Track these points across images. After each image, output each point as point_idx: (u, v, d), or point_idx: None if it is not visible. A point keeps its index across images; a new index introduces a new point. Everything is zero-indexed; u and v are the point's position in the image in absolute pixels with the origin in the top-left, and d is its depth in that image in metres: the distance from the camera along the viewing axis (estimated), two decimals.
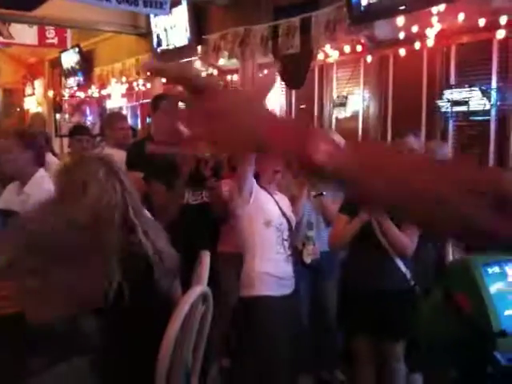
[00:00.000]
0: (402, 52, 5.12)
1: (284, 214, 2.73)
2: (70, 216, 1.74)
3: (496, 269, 1.82)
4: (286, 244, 2.68)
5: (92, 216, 1.77)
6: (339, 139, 0.71)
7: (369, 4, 4.38)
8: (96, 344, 1.88)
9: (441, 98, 5.10)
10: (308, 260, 3.07)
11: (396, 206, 0.73)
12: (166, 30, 7.17)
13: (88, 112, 10.83)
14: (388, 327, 2.76)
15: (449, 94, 5.03)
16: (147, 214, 2.15)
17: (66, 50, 9.85)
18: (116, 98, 9.46)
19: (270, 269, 2.60)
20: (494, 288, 1.87)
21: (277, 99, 7.06)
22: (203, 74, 7.75)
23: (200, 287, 2.02)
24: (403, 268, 2.78)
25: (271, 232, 2.63)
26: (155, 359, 1.82)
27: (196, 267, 2.29)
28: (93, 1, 4.66)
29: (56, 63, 10.63)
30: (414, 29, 4.63)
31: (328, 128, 5.57)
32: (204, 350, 2.18)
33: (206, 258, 2.28)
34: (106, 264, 1.71)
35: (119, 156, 3.14)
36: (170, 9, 5.95)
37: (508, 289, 1.90)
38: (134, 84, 8.68)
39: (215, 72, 7.52)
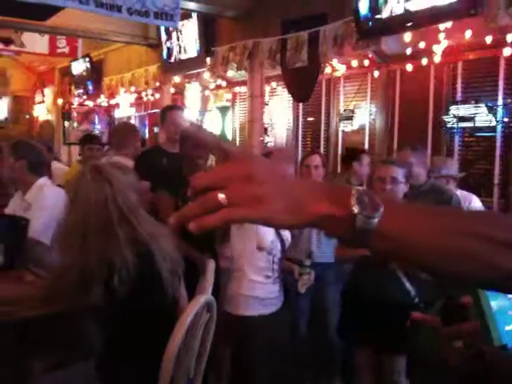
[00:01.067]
0: (409, 67, 5.17)
1: (279, 235, 2.70)
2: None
3: None
4: (276, 267, 2.69)
5: (84, 216, 1.86)
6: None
7: (377, 20, 4.43)
8: (99, 348, 1.90)
9: (447, 114, 5.13)
10: (302, 290, 3.02)
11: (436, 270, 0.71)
12: (175, 41, 7.25)
13: (96, 120, 10.92)
14: (390, 341, 2.76)
15: (455, 110, 5.06)
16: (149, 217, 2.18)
17: (76, 59, 9.96)
18: (124, 107, 9.55)
19: (257, 292, 2.61)
20: (496, 304, 1.88)
21: (284, 112, 7.12)
22: (212, 86, 7.82)
23: (204, 296, 2.04)
24: (408, 285, 2.78)
25: (262, 256, 2.63)
26: (158, 366, 1.84)
27: (201, 276, 2.31)
28: (104, 11, 4.72)
29: (66, 72, 10.75)
30: (422, 45, 4.67)
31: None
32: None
33: (210, 266, 2.31)
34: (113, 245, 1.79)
35: (127, 165, 3.18)
36: (180, 21, 6.02)
37: (508, 304, 1.91)
38: (143, 94, 8.76)
39: (224, 83, 7.59)
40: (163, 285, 1.85)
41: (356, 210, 0.65)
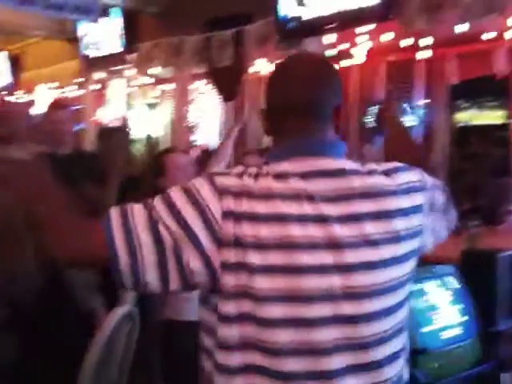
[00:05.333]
0: None
1: None
2: None
3: (414, 286, 1.87)
4: None
5: None
6: None
7: (296, 21, 4.46)
8: (12, 364, 1.79)
9: (368, 115, 5.25)
10: None
11: None
12: (96, 36, 7.01)
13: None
14: None
15: (375, 111, 5.18)
16: None
17: None
18: (42, 103, 9.14)
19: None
20: (413, 305, 1.92)
21: (213, 110, 7.05)
22: (137, 82, 7.62)
23: (124, 307, 1.96)
24: None
25: None
26: (75, 375, 1.76)
27: None
28: (16, 5, 4.47)
29: None
30: (343, 46, 4.75)
31: None
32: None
33: None
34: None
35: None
36: (101, 16, 5.82)
37: (427, 305, 1.96)
38: (64, 90, 8.42)
39: (150, 80, 7.42)
40: (74, 299, 1.76)
41: None
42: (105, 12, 6.36)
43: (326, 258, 0.99)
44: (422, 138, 5.11)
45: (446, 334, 1.96)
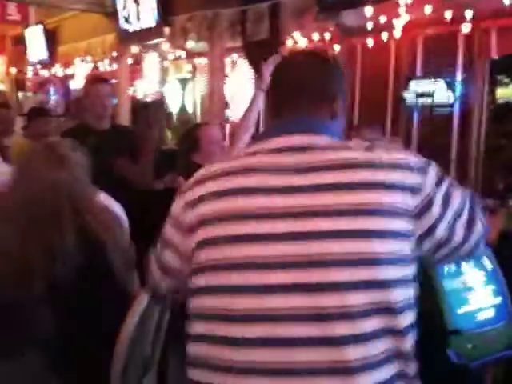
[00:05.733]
0: (370, 42, 5.14)
1: None
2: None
3: (452, 267, 1.85)
4: None
5: (30, 199, 1.77)
6: None
7: None
8: (50, 336, 1.84)
9: (406, 90, 5.15)
10: None
11: None
12: (132, 10, 7.01)
13: (52, 91, 10.58)
14: None
15: (414, 86, 5.08)
16: (107, 206, 2.11)
17: (28, 26, 9.55)
18: (80, 77, 9.25)
19: None
20: (449, 286, 1.90)
21: (245, 85, 7.01)
22: (171, 57, 7.63)
23: None
24: None
25: None
26: (111, 352, 1.80)
27: None
28: None
29: (19, 40, 10.31)
30: (382, 19, 4.64)
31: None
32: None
33: None
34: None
35: None
36: None
37: (463, 286, 1.94)
38: (99, 64, 8.50)
39: (183, 54, 7.42)
40: (113, 277, 1.80)
41: None
42: None
43: (280, 226, 1.04)
44: (459, 115, 4.99)
45: (480, 316, 1.93)
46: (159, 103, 4.16)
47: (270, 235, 1.05)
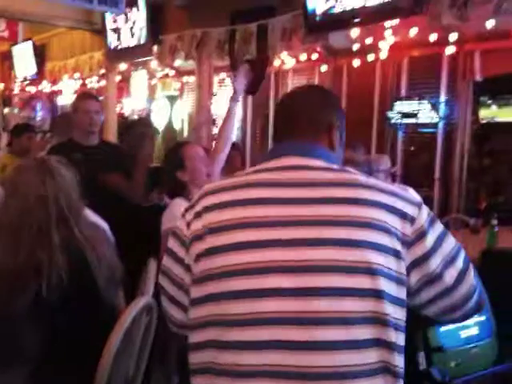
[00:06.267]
0: (356, 63, 5.22)
1: None
2: None
3: None
4: None
5: (20, 213, 1.76)
6: None
7: (324, 14, 4.43)
8: (35, 354, 1.83)
9: (391, 110, 5.23)
10: None
11: None
12: (121, 28, 7.05)
13: (38, 107, 10.55)
14: None
15: (399, 106, 5.16)
16: (95, 222, 2.10)
17: (17, 43, 9.55)
18: (68, 94, 9.25)
19: None
20: None
21: None
22: (159, 74, 7.67)
23: (144, 298, 1.99)
24: None
25: None
26: (95, 370, 1.79)
27: (143, 276, 2.26)
28: None
29: (7, 56, 10.29)
30: (368, 41, 4.72)
31: None
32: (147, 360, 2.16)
33: (152, 266, 2.25)
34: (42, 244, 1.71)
35: None
36: (126, 7, 5.85)
37: None
38: (87, 81, 8.51)
39: (172, 72, 7.46)
40: (98, 293, 1.79)
41: None
42: (131, 4, 6.40)
43: (275, 233, 1.11)
44: (443, 135, 5.07)
45: (464, 334, 1.96)
46: (148, 120, 4.19)
47: (267, 242, 1.11)
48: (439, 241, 1.15)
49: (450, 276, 1.15)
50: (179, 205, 2.50)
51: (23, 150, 4.34)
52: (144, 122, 4.02)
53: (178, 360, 2.69)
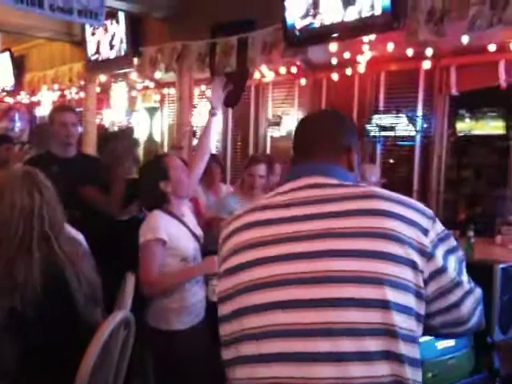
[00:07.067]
0: (335, 77, 5.28)
1: (196, 238, 2.57)
2: None
3: None
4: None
5: (3, 224, 1.75)
6: None
7: (303, 29, 4.49)
8: (12, 367, 1.80)
9: (370, 123, 5.29)
10: (214, 298, 2.66)
11: None
12: (101, 39, 7.04)
13: (17, 118, 10.44)
14: None
15: (377, 119, 5.23)
16: (75, 237, 2.08)
17: None
18: (47, 105, 9.18)
19: (186, 302, 2.48)
20: None
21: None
22: (139, 86, 7.66)
23: (121, 313, 1.97)
24: None
25: (187, 267, 2.50)
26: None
27: (121, 289, 2.24)
28: (24, 7, 4.51)
29: None
30: (347, 55, 4.79)
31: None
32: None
33: (130, 280, 2.24)
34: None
35: None
36: (107, 19, 5.86)
37: None
38: (67, 92, 8.46)
39: (152, 84, 7.46)
40: (75, 309, 1.77)
41: None
42: (111, 16, 6.40)
43: (287, 248, 1.16)
44: (420, 148, 5.15)
45: (441, 345, 1.97)
46: (129, 133, 4.15)
47: (276, 257, 1.16)
48: (447, 255, 1.17)
49: (460, 290, 1.18)
50: (157, 217, 2.49)
51: (1, 160, 4.30)
52: (124, 133, 3.98)
53: (154, 373, 2.67)
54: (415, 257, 1.11)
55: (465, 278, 1.20)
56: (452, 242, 1.20)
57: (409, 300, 1.10)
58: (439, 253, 1.15)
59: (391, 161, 5.44)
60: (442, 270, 1.15)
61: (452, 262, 1.18)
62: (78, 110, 8.01)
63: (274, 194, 1.29)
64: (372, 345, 1.06)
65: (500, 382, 2.27)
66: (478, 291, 1.24)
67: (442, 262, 1.15)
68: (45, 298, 1.69)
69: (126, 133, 4.20)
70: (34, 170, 1.95)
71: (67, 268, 1.77)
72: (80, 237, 2.13)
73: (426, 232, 1.14)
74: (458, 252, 1.21)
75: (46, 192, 1.84)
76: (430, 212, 1.20)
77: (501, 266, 2.41)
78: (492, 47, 4.18)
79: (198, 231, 2.63)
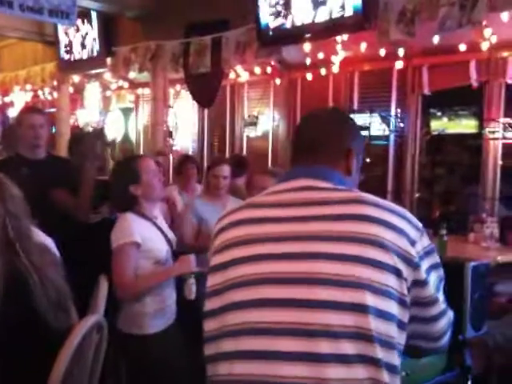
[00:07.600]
0: (310, 76, 5.30)
1: (168, 240, 2.55)
2: None
3: None
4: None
5: None
6: None
7: (276, 29, 4.49)
8: None
9: None
10: (192, 296, 2.55)
11: None
12: (73, 39, 6.95)
13: None
14: None
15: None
16: (46, 244, 2.04)
17: None
18: (19, 105, 9.02)
19: (158, 305, 2.47)
20: None
21: (189, 115, 7.05)
22: (113, 86, 7.58)
23: (94, 317, 1.95)
24: None
25: (160, 269, 2.49)
26: None
27: (94, 293, 2.21)
28: None
29: None
30: (320, 55, 4.81)
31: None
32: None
33: (103, 283, 2.21)
34: None
35: None
36: (79, 19, 5.79)
37: None
38: (40, 92, 8.33)
39: (126, 84, 7.39)
40: (40, 317, 1.73)
41: None
42: (83, 15, 6.32)
43: (275, 248, 1.18)
44: (394, 147, 5.20)
45: None
46: (97, 133, 4.10)
47: (260, 256, 1.17)
48: (430, 270, 1.18)
49: (437, 307, 1.20)
50: (129, 220, 2.46)
51: None
52: (94, 134, 3.94)
53: (128, 377, 2.65)
54: (400, 265, 1.11)
55: (441, 297, 1.21)
56: (436, 259, 1.20)
57: (391, 306, 1.10)
58: (424, 266, 1.16)
59: (366, 160, 5.47)
60: (423, 283, 1.15)
61: (433, 278, 1.18)
62: (51, 110, 7.97)
63: (269, 193, 1.30)
64: (349, 348, 1.06)
65: (472, 379, 2.31)
66: (451, 314, 1.25)
67: (425, 276, 1.15)
68: (5, 305, 1.65)
69: (96, 133, 4.16)
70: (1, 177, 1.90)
71: (31, 276, 1.73)
72: (48, 241, 2.09)
73: (413, 243, 1.14)
74: (439, 269, 1.21)
75: (10, 200, 1.79)
76: (419, 224, 1.19)
77: (472, 263, 2.45)
78: (462, 47, 4.24)
79: (170, 234, 2.62)
